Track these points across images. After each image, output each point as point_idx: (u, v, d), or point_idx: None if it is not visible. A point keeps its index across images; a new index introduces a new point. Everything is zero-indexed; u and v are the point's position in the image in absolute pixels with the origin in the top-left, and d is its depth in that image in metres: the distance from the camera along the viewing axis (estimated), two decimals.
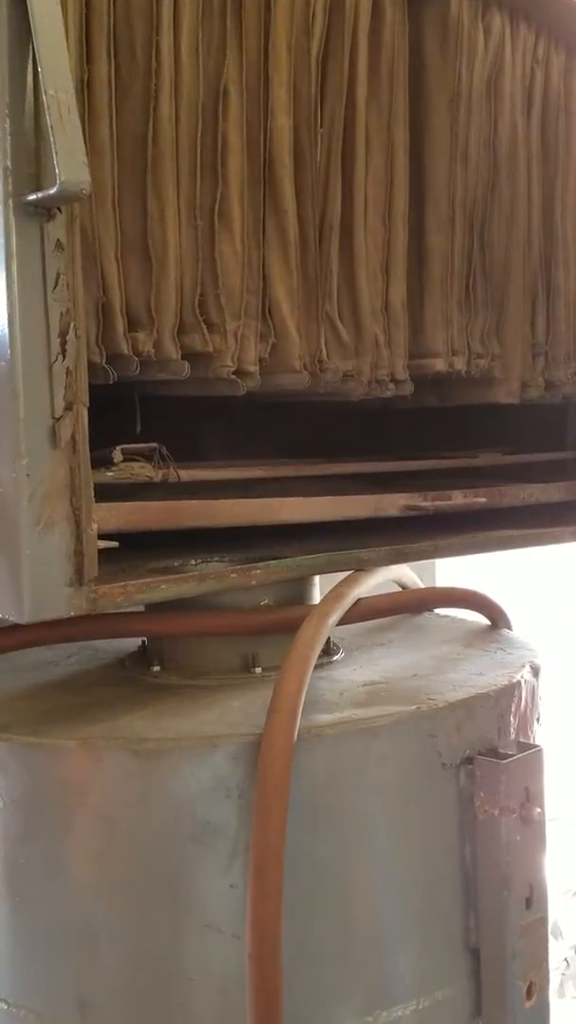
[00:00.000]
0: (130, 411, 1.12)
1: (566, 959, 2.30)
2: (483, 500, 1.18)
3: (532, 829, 0.85)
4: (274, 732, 0.75)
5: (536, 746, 0.87)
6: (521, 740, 0.90)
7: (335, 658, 1.03)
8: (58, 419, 0.76)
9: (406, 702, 0.85)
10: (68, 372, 0.76)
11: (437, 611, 1.27)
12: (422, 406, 1.33)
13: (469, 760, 0.85)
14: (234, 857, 0.77)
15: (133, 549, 0.90)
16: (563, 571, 2.57)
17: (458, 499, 1.16)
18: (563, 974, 2.28)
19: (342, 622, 0.95)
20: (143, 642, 1.07)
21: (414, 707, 0.84)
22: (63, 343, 0.76)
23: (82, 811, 0.80)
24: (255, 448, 1.29)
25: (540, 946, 0.87)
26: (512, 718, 0.90)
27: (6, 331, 0.74)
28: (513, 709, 0.90)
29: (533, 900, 0.85)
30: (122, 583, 0.82)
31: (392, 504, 1.12)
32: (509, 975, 0.84)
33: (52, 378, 0.75)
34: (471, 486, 1.21)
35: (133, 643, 1.08)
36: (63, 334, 0.76)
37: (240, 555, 0.96)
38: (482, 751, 0.86)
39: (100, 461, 0.91)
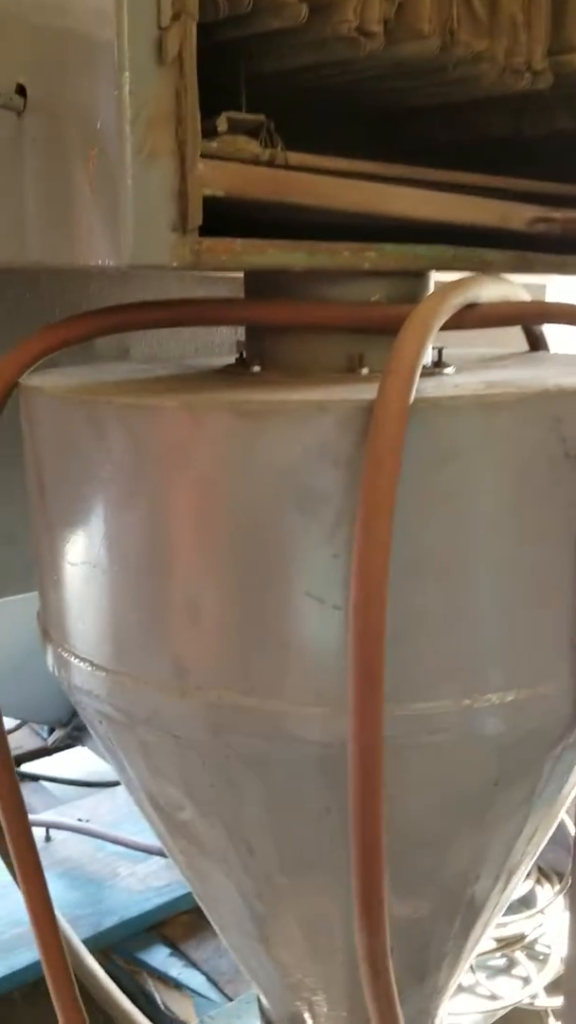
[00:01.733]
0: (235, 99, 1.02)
1: None
2: None
3: None
4: (390, 391, 0.70)
5: None
6: None
7: (447, 371, 0.96)
8: (165, 29, 0.68)
9: (530, 388, 0.78)
10: None
11: (553, 350, 1.19)
12: (553, 131, 1.19)
13: None
14: (338, 527, 0.74)
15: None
16: None
17: None
18: None
19: (459, 325, 0.88)
20: (240, 353, 1.02)
21: (541, 388, 0.77)
22: None
23: (183, 475, 0.77)
24: None
25: None
26: None
27: None
28: None
29: None
30: (228, 239, 0.76)
31: (519, 215, 1.02)
32: None
33: None
34: None
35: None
36: None
37: None
38: None
39: (204, 132, 0.83)
